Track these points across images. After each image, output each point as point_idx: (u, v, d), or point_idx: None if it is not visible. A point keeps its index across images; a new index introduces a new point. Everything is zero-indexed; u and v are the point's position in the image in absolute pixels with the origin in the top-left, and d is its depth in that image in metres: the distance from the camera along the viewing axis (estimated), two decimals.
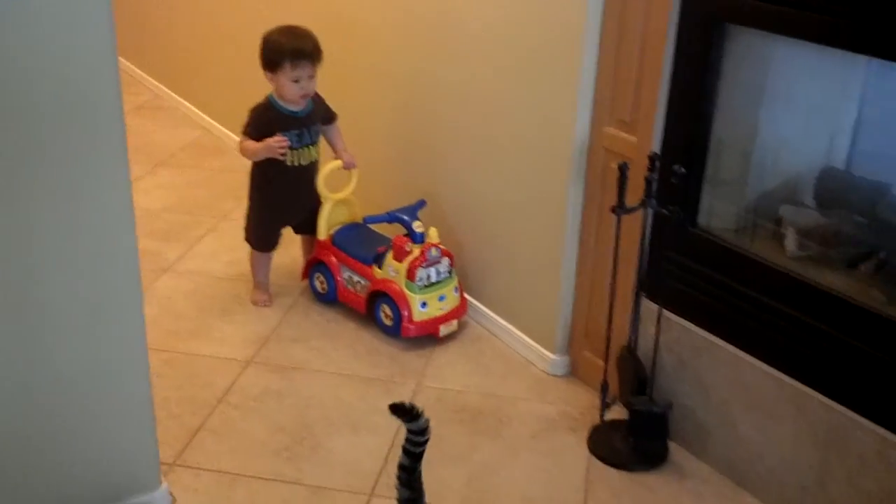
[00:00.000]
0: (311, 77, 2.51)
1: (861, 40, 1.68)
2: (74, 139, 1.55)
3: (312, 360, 2.42)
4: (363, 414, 2.22)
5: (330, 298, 2.65)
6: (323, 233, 2.65)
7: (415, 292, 2.45)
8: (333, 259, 2.62)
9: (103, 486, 1.80)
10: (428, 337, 2.50)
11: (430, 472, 2.04)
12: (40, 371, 1.66)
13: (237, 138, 2.60)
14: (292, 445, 2.10)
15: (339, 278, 2.61)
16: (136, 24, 4.46)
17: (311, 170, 2.60)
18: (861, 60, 1.93)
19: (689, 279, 2.03)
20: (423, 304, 2.46)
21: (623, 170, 1.93)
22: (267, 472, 2.01)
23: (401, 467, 1.54)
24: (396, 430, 2.17)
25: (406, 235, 2.49)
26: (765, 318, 1.90)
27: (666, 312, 2.08)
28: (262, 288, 2.70)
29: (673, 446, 2.14)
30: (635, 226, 2.05)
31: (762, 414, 1.94)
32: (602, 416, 2.18)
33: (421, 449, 1.51)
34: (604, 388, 2.15)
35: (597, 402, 2.20)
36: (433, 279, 2.48)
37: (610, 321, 2.13)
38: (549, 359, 2.40)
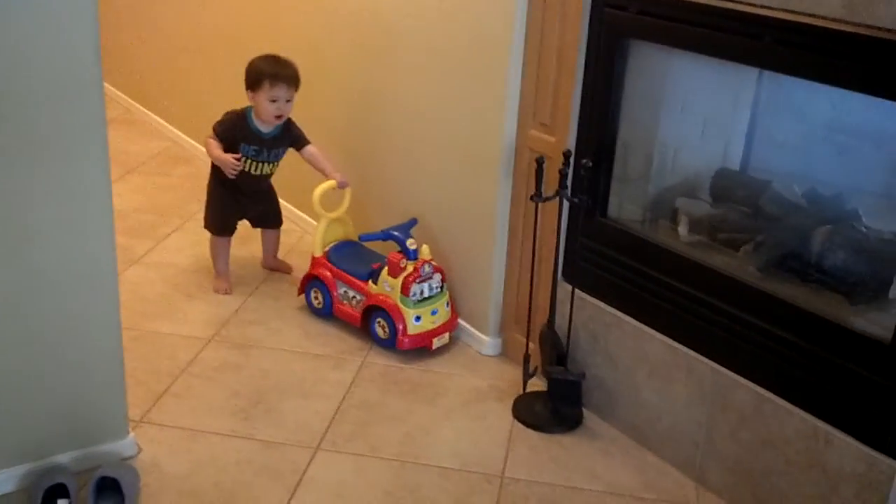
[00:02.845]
0: (288, 101, 2.78)
1: (747, 53, 1.97)
2: (61, 133, 1.82)
3: (268, 339, 2.67)
4: (313, 383, 2.47)
5: (326, 313, 2.78)
6: (318, 250, 2.81)
7: (409, 307, 2.59)
8: (329, 275, 2.76)
9: (77, 433, 2.04)
10: None
11: (370, 429, 2.31)
12: (25, 327, 1.90)
13: (206, 140, 2.85)
14: (247, 408, 2.35)
15: (334, 293, 2.75)
16: (109, 44, 4.72)
17: (262, 180, 2.89)
18: (752, 72, 2.24)
19: (600, 263, 2.32)
20: (417, 318, 2.61)
21: (540, 163, 2.23)
22: (224, 429, 2.25)
23: None
24: (343, 396, 2.42)
25: (400, 252, 2.64)
26: (662, 294, 2.18)
27: (581, 293, 2.36)
28: (222, 276, 2.95)
29: (587, 413, 2.41)
30: (555, 216, 2.33)
31: (659, 379, 2.22)
32: (524, 385, 2.44)
33: None
34: (526, 361, 2.42)
35: None
36: (426, 294, 2.62)
37: (530, 301, 2.41)
38: (484, 340, 2.67)
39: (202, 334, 2.67)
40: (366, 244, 2.84)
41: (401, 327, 2.60)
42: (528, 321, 2.43)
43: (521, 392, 2.46)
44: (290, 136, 2.88)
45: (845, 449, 1.86)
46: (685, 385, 2.16)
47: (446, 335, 2.68)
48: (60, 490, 1.91)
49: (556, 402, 2.37)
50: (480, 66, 2.48)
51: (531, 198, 2.27)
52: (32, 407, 1.97)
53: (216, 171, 2.90)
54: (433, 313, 2.64)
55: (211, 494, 2.03)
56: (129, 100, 4.72)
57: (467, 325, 2.72)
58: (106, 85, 5.10)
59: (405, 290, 2.59)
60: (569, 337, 2.38)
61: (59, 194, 1.85)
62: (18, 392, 1.94)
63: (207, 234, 3.00)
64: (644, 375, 2.25)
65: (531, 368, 2.44)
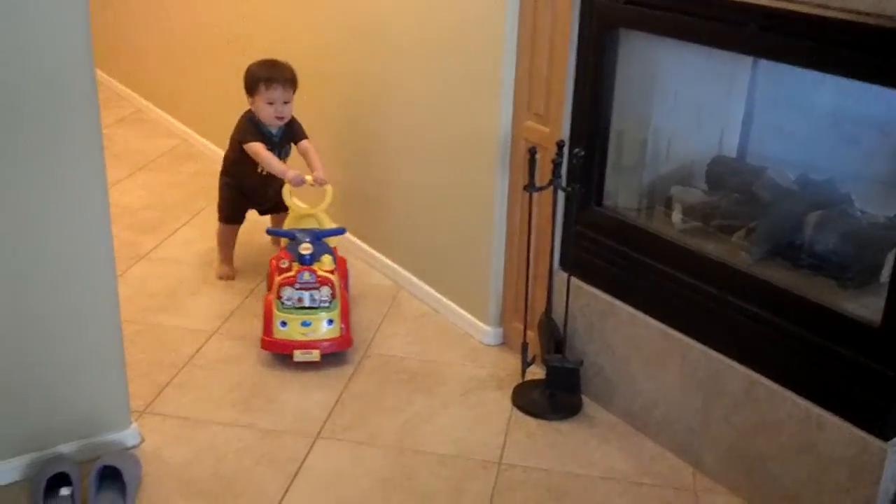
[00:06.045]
0: (286, 102, 2.82)
1: (732, 41, 1.98)
2: (54, 128, 1.85)
3: None
4: (314, 376, 2.50)
5: None
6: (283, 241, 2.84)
7: (277, 309, 2.52)
8: (273, 263, 2.74)
9: (80, 423, 2.08)
10: (378, 313, 2.78)
11: (369, 419, 2.34)
12: (27, 321, 1.94)
13: (260, 152, 2.79)
14: (249, 399, 2.38)
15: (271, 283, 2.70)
16: (122, 45, 4.78)
17: (274, 178, 2.88)
18: (746, 59, 2.25)
19: (595, 251, 2.34)
20: (283, 324, 2.51)
21: (533, 153, 2.25)
22: (225, 419, 2.29)
23: None
24: (343, 387, 2.45)
25: (291, 254, 2.60)
26: (655, 281, 2.20)
27: (577, 281, 2.38)
28: (226, 262, 3.01)
29: (587, 400, 2.43)
30: (550, 206, 2.35)
31: (654, 366, 2.23)
32: (523, 373, 2.47)
33: None
34: (524, 349, 2.44)
35: None
36: (305, 303, 2.51)
37: (527, 290, 2.43)
38: (484, 330, 2.70)
39: (206, 327, 2.71)
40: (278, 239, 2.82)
41: (268, 327, 2.53)
42: (526, 310, 2.45)
43: (520, 380, 2.48)
44: (292, 132, 2.92)
45: (837, 432, 1.86)
46: (680, 371, 2.17)
47: (315, 352, 2.50)
48: (63, 479, 1.95)
49: (554, 390, 2.39)
50: (474, 59, 2.50)
51: (525, 188, 2.28)
52: (36, 399, 2.01)
53: (231, 168, 2.94)
54: (304, 324, 2.50)
55: (210, 482, 2.07)
56: (141, 99, 4.78)
57: (467, 315, 2.74)
58: (119, 84, 5.20)
59: (278, 291, 2.52)
60: (566, 325, 2.40)
61: (55, 191, 1.89)
62: (21, 384, 1.98)
63: (212, 231, 3.04)
64: (640, 362, 2.27)
65: (530, 357, 2.46)
